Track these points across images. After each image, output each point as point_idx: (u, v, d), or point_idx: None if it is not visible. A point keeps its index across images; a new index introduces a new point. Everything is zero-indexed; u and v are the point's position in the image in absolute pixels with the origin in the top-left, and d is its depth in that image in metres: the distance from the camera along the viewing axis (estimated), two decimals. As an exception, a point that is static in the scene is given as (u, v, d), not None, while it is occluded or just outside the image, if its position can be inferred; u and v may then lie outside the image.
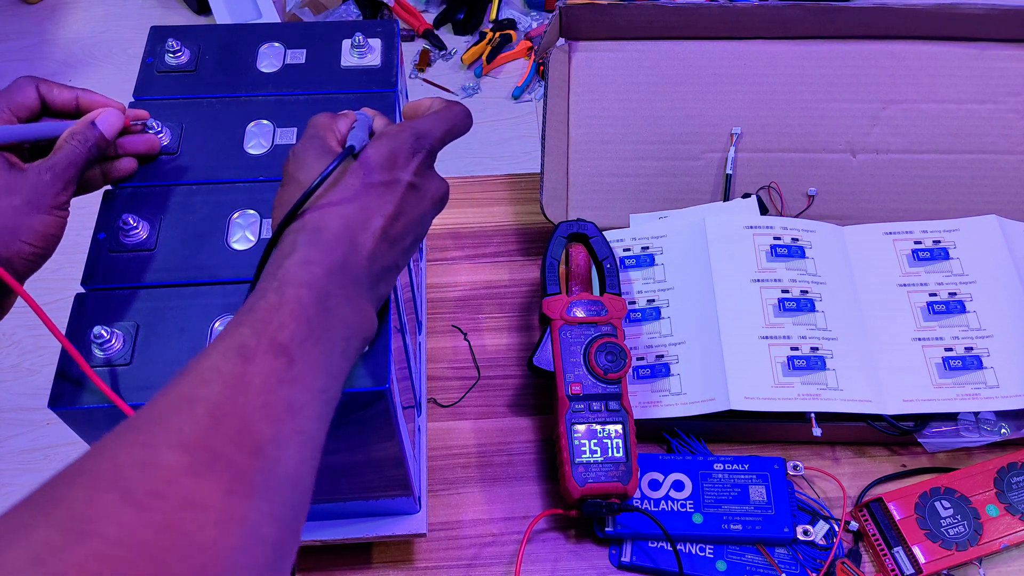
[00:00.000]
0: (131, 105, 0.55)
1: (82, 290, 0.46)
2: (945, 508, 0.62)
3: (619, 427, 0.61)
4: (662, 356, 0.68)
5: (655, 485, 0.63)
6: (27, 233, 0.42)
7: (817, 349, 0.66)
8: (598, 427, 0.61)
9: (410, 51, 2.03)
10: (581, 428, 0.61)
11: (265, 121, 0.54)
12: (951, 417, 0.65)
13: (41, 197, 0.42)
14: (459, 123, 0.43)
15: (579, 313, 0.65)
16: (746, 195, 0.76)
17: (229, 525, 0.26)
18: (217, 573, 0.25)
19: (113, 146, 0.49)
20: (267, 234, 0.48)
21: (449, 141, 0.43)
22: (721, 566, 0.60)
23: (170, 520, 0.24)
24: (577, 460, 0.60)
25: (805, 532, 0.61)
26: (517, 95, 1.94)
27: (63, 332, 0.43)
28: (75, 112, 0.48)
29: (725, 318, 0.67)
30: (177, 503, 0.25)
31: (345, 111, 0.44)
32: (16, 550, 0.22)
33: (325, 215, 0.37)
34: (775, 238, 0.71)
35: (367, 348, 0.43)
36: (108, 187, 0.51)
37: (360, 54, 0.57)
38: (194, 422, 0.28)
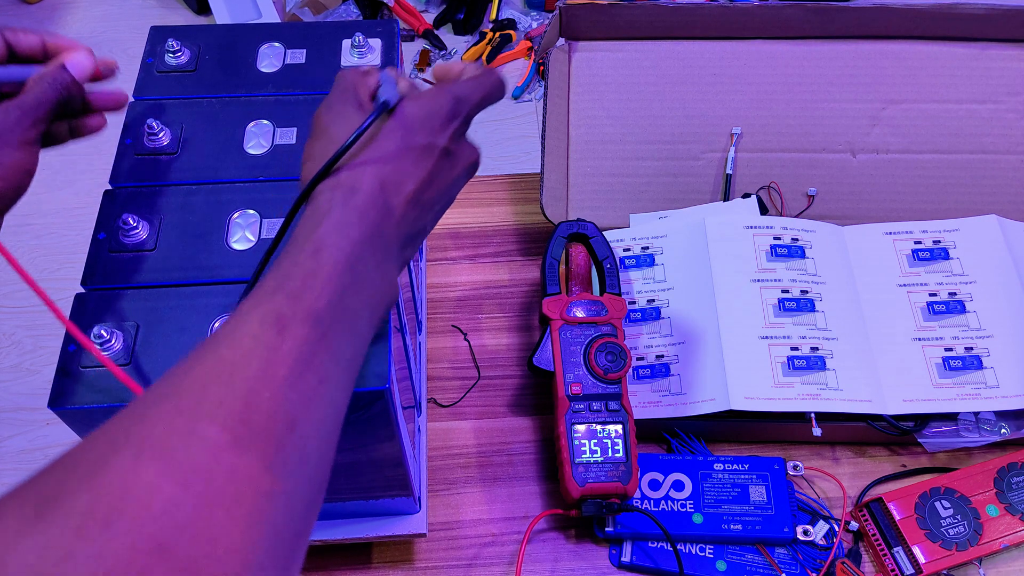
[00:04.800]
0: (131, 105, 0.55)
1: (82, 290, 0.46)
2: (945, 508, 0.62)
3: (619, 427, 0.61)
4: (662, 356, 0.68)
5: (655, 485, 0.63)
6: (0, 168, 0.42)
7: (817, 349, 0.66)
8: (598, 427, 0.61)
9: (410, 51, 2.03)
10: (581, 428, 0.61)
11: (265, 121, 0.54)
12: (951, 417, 0.65)
13: (9, 133, 0.42)
14: (495, 91, 0.43)
15: (579, 313, 0.65)
16: (746, 195, 0.76)
17: (267, 500, 0.26)
18: (255, 548, 0.25)
19: (81, 98, 0.48)
20: (268, 234, 0.48)
21: (484, 108, 0.42)
22: (721, 566, 0.60)
23: (211, 495, 0.25)
24: (577, 460, 0.60)
25: (805, 532, 0.61)
26: (517, 95, 1.94)
27: (63, 330, 0.43)
28: (43, 57, 0.47)
29: (725, 318, 0.67)
30: (218, 478, 0.25)
31: (369, 68, 0.43)
32: (59, 517, 0.22)
33: (361, 175, 0.37)
34: (775, 238, 0.71)
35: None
36: (108, 187, 0.51)
37: (360, 54, 0.57)
38: (233, 395, 0.27)
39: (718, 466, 0.64)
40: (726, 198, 0.78)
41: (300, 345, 0.30)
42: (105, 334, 0.43)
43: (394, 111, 0.39)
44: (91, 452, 0.25)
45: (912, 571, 0.59)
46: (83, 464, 0.24)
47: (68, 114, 0.47)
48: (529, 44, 2.03)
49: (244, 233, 0.48)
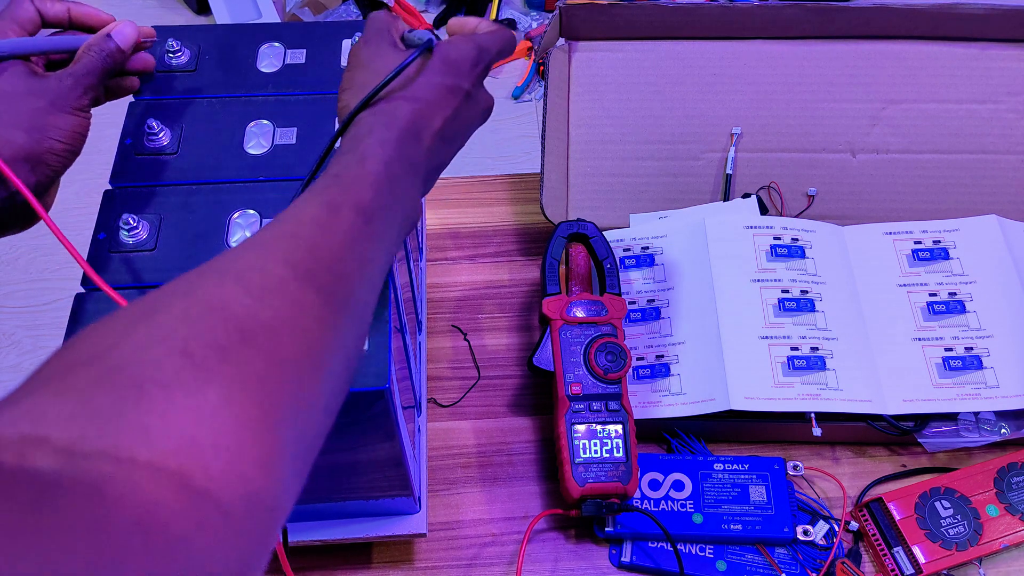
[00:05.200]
0: (131, 105, 0.55)
1: (82, 290, 0.46)
2: (945, 508, 0.62)
3: (619, 427, 0.61)
4: (662, 356, 0.68)
5: (655, 485, 0.63)
6: (55, 131, 0.46)
7: (817, 349, 0.66)
8: (598, 427, 0.61)
9: (410, 51, 2.03)
10: (581, 428, 0.61)
11: (265, 121, 0.54)
12: (951, 417, 0.65)
13: (63, 100, 0.46)
14: (509, 44, 0.48)
15: (579, 313, 0.65)
16: (746, 195, 0.76)
17: (324, 329, 0.31)
18: (316, 358, 0.30)
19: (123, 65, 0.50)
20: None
21: (500, 59, 0.48)
22: (721, 566, 0.60)
23: (280, 310, 0.30)
24: (577, 460, 0.60)
25: (805, 532, 0.61)
26: (517, 95, 1.94)
27: (63, 330, 0.43)
28: (68, 25, 0.50)
29: (725, 318, 0.67)
30: (286, 300, 0.30)
31: (395, 14, 0.47)
32: (163, 315, 0.28)
33: (400, 106, 0.42)
34: (775, 238, 0.71)
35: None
36: (108, 187, 0.51)
37: (360, 54, 0.57)
38: (296, 249, 0.33)
39: (718, 466, 0.64)
40: (726, 198, 0.78)
41: (349, 226, 0.35)
42: (105, 334, 0.43)
43: (431, 53, 0.44)
44: (183, 283, 0.30)
45: (912, 571, 0.59)
46: (179, 288, 0.30)
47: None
48: (529, 44, 2.03)
49: (244, 233, 0.48)
